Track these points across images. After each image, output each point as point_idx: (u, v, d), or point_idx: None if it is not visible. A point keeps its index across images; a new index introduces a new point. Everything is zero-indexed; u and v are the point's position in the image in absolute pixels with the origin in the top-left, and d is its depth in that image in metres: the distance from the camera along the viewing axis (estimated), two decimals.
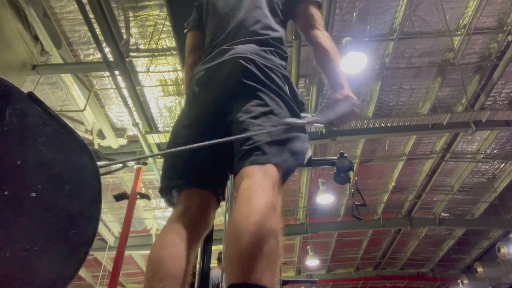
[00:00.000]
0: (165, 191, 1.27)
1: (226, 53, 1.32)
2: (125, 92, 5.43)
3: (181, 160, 1.24)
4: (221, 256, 4.31)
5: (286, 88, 1.29)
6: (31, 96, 0.47)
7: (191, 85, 1.39)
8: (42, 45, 5.15)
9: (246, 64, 1.25)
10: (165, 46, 5.55)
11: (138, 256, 11.13)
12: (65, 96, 6.12)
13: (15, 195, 0.42)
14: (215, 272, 3.93)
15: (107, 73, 5.44)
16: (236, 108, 1.21)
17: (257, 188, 1.00)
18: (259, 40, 1.37)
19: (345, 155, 2.84)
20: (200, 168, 1.23)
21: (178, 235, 1.10)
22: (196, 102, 1.33)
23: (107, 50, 4.86)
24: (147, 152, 6.31)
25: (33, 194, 0.43)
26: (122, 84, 5.31)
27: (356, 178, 2.76)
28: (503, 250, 9.67)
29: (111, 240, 9.74)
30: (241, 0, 1.50)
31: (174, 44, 5.26)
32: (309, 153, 1.27)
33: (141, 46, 5.55)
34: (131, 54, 5.53)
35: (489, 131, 7.29)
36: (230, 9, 1.49)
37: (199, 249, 2.23)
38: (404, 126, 6.60)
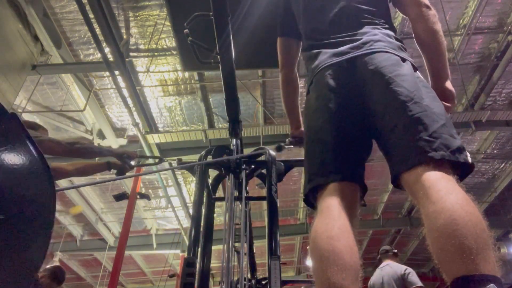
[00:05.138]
0: (313, 191, 1.24)
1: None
2: (125, 92, 5.43)
3: (332, 156, 1.23)
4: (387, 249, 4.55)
5: None
6: (14, 116, 0.47)
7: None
8: (42, 45, 5.16)
9: None
10: (165, 46, 5.55)
11: (138, 256, 11.13)
12: (65, 96, 6.12)
13: None
14: (395, 265, 4.11)
15: (107, 73, 5.44)
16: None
17: (451, 179, 1.04)
18: None
19: None
20: (349, 161, 1.23)
21: (342, 227, 1.07)
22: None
23: (107, 50, 4.86)
24: (147, 153, 6.30)
25: (1, 216, 0.42)
26: (122, 84, 5.31)
27: None
28: (503, 250, 9.68)
29: (111, 240, 9.75)
30: None
31: (174, 44, 5.26)
32: None
33: (141, 46, 5.55)
34: (131, 54, 5.53)
35: (489, 131, 7.29)
36: None
37: (199, 249, 2.21)
38: None
